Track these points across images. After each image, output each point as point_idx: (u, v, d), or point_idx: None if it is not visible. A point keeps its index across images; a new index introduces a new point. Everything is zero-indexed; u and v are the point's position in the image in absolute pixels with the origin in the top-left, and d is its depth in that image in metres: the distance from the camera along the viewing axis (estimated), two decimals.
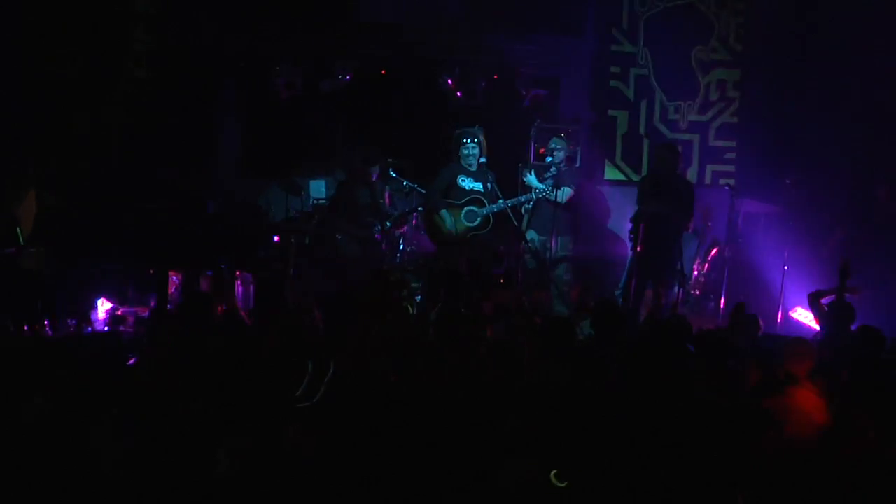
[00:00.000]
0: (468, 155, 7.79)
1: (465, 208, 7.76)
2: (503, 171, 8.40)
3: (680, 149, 7.91)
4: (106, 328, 6.83)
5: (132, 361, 4.89)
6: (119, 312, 7.43)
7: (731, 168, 9.32)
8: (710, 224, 8.87)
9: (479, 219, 7.74)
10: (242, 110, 9.51)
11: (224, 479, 3.21)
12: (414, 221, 8.57)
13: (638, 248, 7.14)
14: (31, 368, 3.43)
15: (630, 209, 7.75)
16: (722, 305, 7.97)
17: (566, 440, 3.87)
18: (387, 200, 8.72)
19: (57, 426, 3.11)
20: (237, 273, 7.72)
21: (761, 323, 6.03)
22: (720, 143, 9.38)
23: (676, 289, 7.86)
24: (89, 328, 6.42)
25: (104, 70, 7.93)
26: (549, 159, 8.36)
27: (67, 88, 7.58)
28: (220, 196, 8.36)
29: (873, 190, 8.36)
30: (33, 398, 3.12)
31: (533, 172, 8.26)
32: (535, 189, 8.01)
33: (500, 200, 7.72)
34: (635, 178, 9.22)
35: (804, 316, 7.95)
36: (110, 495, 3.13)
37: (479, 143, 7.78)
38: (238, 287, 7.80)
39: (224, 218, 7.99)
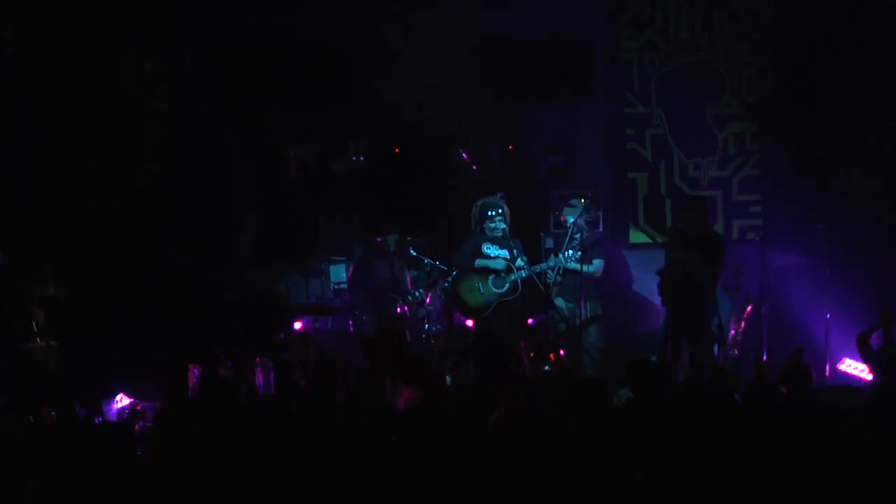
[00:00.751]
0: (494, 227, 7.76)
1: (492, 275, 7.62)
2: (523, 241, 8.27)
3: (706, 202, 7.69)
4: (117, 419, 6.60)
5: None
6: (139, 408, 7.23)
7: (758, 222, 9.06)
8: (741, 280, 8.58)
9: (507, 285, 7.61)
10: (257, 196, 9.47)
11: None
12: (435, 296, 8.36)
13: (668, 304, 6.86)
14: (28, 455, 3.23)
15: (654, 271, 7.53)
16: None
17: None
18: (409, 284, 8.56)
19: None
20: (257, 360, 7.54)
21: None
22: (744, 198, 9.15)
23: (715, 348, 7.56)
24: (100, 419, 6.21)
25: (117, 164, 7.93)
26: (568, 225, 8.16)
27: (81, 183, 7.58)
28: (238, 282, 8.26)
29: None
30: (28, 483, 2.91)
31: (570, 260, 7.91)
32: (567, 260, 7.82)
33: (527, 266, 7.59)
34: (660, 239, 9.00)
35: (853, 367, 7.59)
36: None
37: (503, 212, 7.75)
38: (259, 374, 7.60)
39: (241, 304, 7.85)
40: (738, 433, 4.28)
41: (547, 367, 6.58)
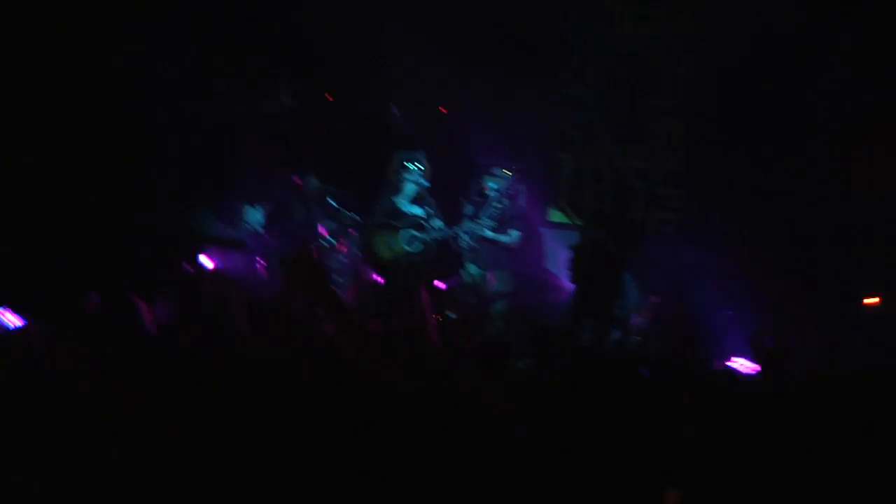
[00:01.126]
0: (411, 184, 7.54)
1: (405, 232, 7.48)
2: (443, 205, 8.23)
3: (628, 191, 7.81)
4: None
5: None
6: (31, 329, 6.96)
7: (675, 216, 9.27)
8: (651, 271, 8.77)
9: (418, 244, 7.46)
10: (179, 128, 9.16)
11: None
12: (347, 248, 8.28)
13: (577, 281, 6.96)
14: None
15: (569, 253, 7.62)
16: None
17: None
18: (322, 227, 8.44)
19: None
20: (161, 290, 7.34)
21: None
22: (664, 191, 9.35)
23: (617, 332, 7.72)
24: None
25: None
26: (489, 194, 8.13)
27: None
28: (149, 213, 8.01)
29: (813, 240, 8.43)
30: None
31: (485, 228, 7.91)
32: (483, 228, 7.81)
33: (442, 227, 7.47)
34: (578, 221, 9.12)
35: (742, 364, 7.84)
36: None
37: (423, 170, 7.54)
38: (161, 305, 7.41)
39: (149, 231, 7.61)
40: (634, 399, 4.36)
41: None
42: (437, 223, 7.50)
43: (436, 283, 8.10)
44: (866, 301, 7.16)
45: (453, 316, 7.46)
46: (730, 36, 9.13)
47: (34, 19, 7.64)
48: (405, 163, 7.42)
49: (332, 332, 3.83)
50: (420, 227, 7.49)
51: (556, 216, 9.35)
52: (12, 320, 6.80)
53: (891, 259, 7.80)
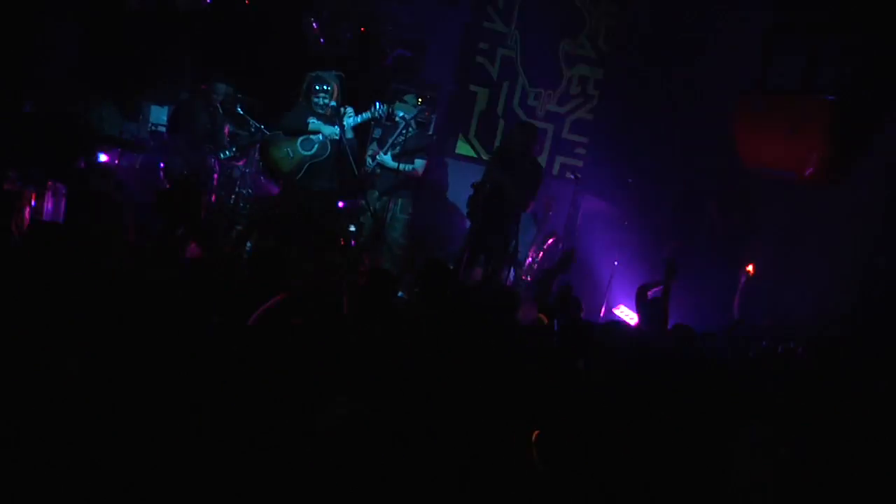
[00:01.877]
0: (320, 103, 7.35)
1: (300, 138, 7.24)
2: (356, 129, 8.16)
3: (535, 130, 7.85)
4: None
5: None
6: None
7: (580, 163, 9.46)
8: (550, 214, 8.96)
9: (315, 146, 7.21)
10: (84, 13, 8.74)
11: None
12: (251, 159, 8.17)
13: (474, 218, 7.03)
14: None
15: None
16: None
17: (383, 388, 3.72)
18: (226, 135, 8.28)
19: None
20: (49, 183, 7.10)
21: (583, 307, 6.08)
22: (572, 137, 9.50)
23: (507, 270, 7.87)
24: None
25: None
26: (398, 120, 8.03)
27: None
28: (43, 98, 7.67)
29: (705, 204, 8.71)
30: None
31: (389, 154, 7.82)
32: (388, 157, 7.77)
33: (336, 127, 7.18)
34: (485, 156, 9.20)
35: (625, 314, 8.16)
36: None
37: (331, 90, 7.35)
38: (49, 198, 7.18)
39: (42, 120, 7.31)
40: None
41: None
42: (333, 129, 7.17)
43: (339, 204, 8.10)
44: (747, 268, 7.48)
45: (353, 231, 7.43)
46: None
47: None
48: (316, 85, 7.19)
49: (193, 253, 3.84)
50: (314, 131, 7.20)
51: (463, 149, 9.38)
52: None
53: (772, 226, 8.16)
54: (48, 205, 7.29)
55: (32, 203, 6.94)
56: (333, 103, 7.19)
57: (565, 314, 5.60)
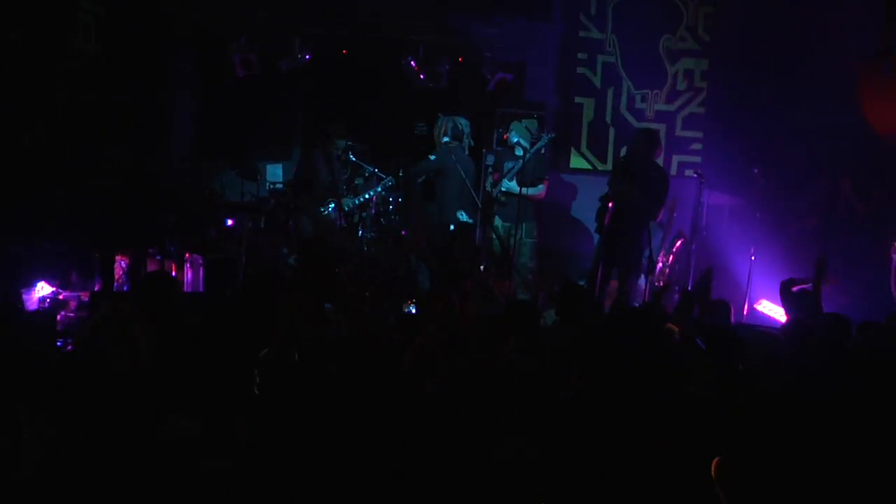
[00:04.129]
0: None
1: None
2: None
3: (656, 135, 7.67)
4: (38, 308, 6.42)
5: (69, 347, 4.58)
6: (61, 297, 7.04)
7: (698, 159, 9.18)
8: (675, 215, 8.70)
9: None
10: (198, 89, 9.13)
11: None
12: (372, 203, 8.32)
13: (603, 231, 6.92)
14: None
15: (593, 199, 7.56)
16: None
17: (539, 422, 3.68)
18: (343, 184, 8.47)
19: None
20: (186, 255, 7.42)
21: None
22: (687, 134, 9.25)
23: (643, 279, 7.71)
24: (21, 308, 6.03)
25: (47, 43, 7.48)
26: (512, 140, 8.08)
27: (6, 61, 7.12)
28: (172, 177, 8.04)
29: (838, 184, 8.30)
30: None
31: (514, 180, 7.90)
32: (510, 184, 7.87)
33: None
34: (601, 166, 9.08)
35: (769, 308, 7.84)
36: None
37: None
38: (188, 269, 7.50)
39: (174, 199, 7.65)
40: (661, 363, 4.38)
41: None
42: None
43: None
44: None
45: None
46: None
47: None
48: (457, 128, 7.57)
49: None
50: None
51: (577, 162, 9.27)
52: (47, 290, 6.97)
53: None
54: (188, 275, 7.63)
55: (173, 274, 7.28)
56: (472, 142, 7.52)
57: (710, 313, 5.40)
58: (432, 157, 8.03)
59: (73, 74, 7.70)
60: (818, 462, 3.29)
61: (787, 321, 6.33)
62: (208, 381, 3.92)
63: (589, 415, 3.83)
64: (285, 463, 3.39)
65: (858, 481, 3.29)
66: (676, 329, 5.33)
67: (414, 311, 6.77)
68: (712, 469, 3.26)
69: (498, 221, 7.98)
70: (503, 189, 7.86)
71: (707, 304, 5.68)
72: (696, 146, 9.23)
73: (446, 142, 8.01)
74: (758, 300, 8.13)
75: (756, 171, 8.51)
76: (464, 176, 7.76)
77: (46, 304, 6.61)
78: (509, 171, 7.86)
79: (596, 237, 7.28)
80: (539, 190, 7.91)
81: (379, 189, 8.13)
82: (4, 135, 7.13)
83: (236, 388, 3.83)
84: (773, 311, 7.78)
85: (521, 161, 7.64)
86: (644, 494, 3.30)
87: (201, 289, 7.37)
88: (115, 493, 2.96)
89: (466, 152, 8.19)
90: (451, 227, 7.91)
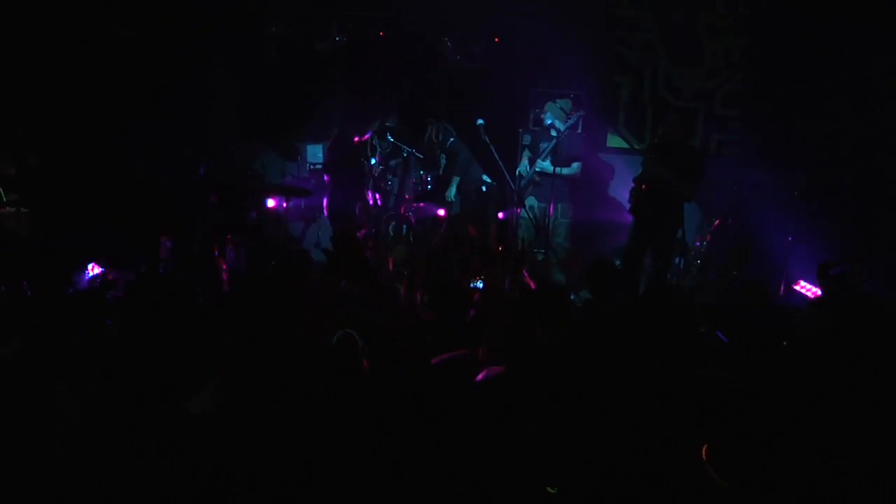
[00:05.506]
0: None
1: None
2: (501, 136, 8.26)
3: (693, 116, 7.63)
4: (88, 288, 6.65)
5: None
6: (110, 277, 7.27)
7: (736, 137, 9.10)
8: (713, 194, 8.68)
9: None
10: (236, 72, 9.27)
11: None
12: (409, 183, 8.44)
13: (637, 212, 6.93)
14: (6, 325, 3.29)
15: (631, 178, 7.55)
16: None
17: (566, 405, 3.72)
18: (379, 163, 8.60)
19: (24, 380, 2.96)
20: (228, 236, 7.59)
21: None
22: (725, 112, 9.15)
23: (678, 258, 7.72)
24: (71, 290, 6.25)
25: (89, 29, 7.67)
26: (546, 122, 8.12)
27: (51, 48, 7.32)
28: (214, 159, 8.20)
29: (880, 164, 8.18)
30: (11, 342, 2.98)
31: (548, 160, 8.01)
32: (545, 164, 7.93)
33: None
34: (638, 146, 9.04)
35: (807, 288, 7.81)
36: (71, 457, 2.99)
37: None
38: (230, 250, 7.67)
39: (217, 180, 7.83)
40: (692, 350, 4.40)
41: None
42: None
43: (500, 214, 8.25)
44: None
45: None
46: None
47: None
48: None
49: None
50: None
51: (614, 142, 9.25)
52: (95, 270, 7.19)
53: None
54: (230, 255, 7.81)
55: (216, 254, 7.46)
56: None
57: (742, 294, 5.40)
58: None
59: (114, 59, 7.90)
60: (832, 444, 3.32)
61: (818, 297, 6.32)
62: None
63: (612, 396, 3.88)
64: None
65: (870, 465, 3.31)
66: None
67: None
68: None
69: (533, 201, 8.02)
70: (537, 169, 7.90)
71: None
72: (735, 124, 9.15)
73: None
74: (796, 280, 8.09)
75: (794, 149, 8.42)
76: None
77: (97, 284, 6.84)
78: (543, 150, 7.90)
79: (631, 217, 7.28)
80: (574, 169, 7.93)
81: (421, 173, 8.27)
82: (55, 118, 7.36)
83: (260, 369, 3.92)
84: (810, 290, 7.74)
85: (554, 140, 7.68)
86: (662, 480, 3.35)
87: (243, 269, 7.55)
88: (141, 475, 3.06)
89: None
90: (483, 188, 8.05)
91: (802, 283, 7.87)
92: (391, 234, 8.47)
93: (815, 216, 7.95)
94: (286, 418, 3.07)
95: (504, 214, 8.45)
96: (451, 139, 8.27)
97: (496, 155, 7.57)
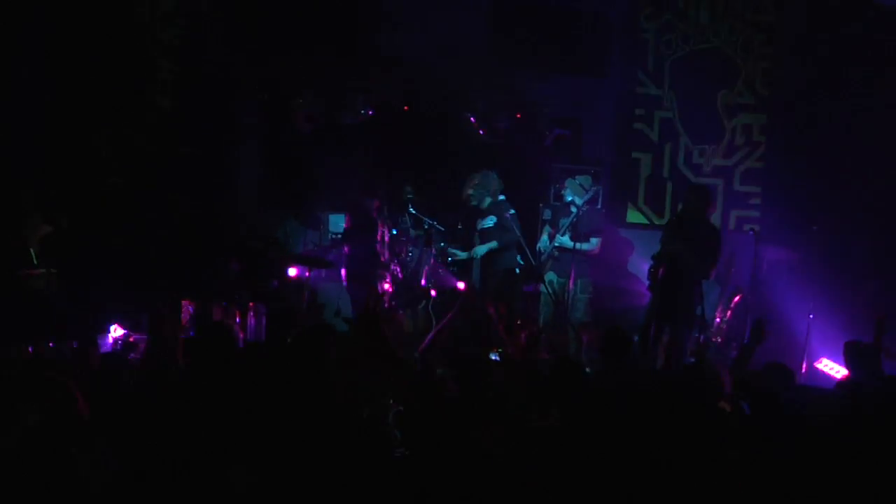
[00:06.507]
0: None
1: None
2: (523, 211, 8.35)
3: (709, 193, 7.68)
4: (111, 350, 6.71)
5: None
6: (132, 339, 7.33)
7: (756, 214, 9.17)
8: (732, 270, 8.68)
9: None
10: (263, 141, 9.47)
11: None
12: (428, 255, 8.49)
13: (655, 290, 6.93)
14: (27, 387, 3.32)
15: (651, 254, 7.57)
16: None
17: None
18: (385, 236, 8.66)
19: (46, 445, 2.99)
20: (251, 304, 7.64)
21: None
22: (745, 189, 9.24)
23: (696, 334, 7.67)
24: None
25: (128, 97, 7.91)
26: (566, 199, 8.22)
27: (88, 111, 7.54)
28: (238, 226, 8.32)
29: None
30: (28, 414, 3.01)
31: (567, 235, 8.06)
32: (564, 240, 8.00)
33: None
34: (658, 221, 9.10)
35: (829, 367, 7.73)
36: None
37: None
38: (251, 318, 7.71)
39: (239, 247, 7.93)
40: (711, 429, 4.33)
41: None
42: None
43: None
44: None
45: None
46: (810, 27, 8.97)
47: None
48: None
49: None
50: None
51: (634, 217, 9.32)
52: (119, 333, 7.27)
53: None
54: (251, 323, 7.85)
55: (237, 320, 7.51)
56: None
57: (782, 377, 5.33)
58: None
59: (148, 126, 8.11)
60: None
61: (844, 378, 6.23)
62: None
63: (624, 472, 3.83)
64: None
65: None
66: (729, 379, 5.29)
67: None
68: None
69: (552, 276, 8.05)
70: (556, 245, 7.95)
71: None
72: (755, 201, 9.21)
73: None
74: (818, 359, 8.01)
75: (815, 228, 8.43)
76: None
77: (119, 346, 6.90)
78: (562, 226, 7.97)
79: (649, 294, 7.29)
80: (593, 245, 7.98)
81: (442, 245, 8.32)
82: (85, 180, 7.53)
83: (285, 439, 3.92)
84: (833, 369, 7.66)
85: (573, 216, 7.76)
86: None
87: (263, 337, 7.57)
88: None
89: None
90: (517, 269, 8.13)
91: (825, 360, 7.80)
92: (408, 306, 8.49)
93: (837, 293, 7.92)
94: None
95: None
96: (512, 211, 8.17)
97: (518, 232, 7.68)
